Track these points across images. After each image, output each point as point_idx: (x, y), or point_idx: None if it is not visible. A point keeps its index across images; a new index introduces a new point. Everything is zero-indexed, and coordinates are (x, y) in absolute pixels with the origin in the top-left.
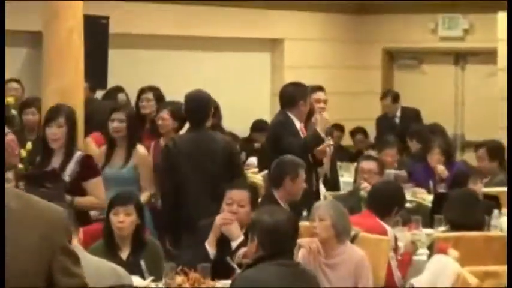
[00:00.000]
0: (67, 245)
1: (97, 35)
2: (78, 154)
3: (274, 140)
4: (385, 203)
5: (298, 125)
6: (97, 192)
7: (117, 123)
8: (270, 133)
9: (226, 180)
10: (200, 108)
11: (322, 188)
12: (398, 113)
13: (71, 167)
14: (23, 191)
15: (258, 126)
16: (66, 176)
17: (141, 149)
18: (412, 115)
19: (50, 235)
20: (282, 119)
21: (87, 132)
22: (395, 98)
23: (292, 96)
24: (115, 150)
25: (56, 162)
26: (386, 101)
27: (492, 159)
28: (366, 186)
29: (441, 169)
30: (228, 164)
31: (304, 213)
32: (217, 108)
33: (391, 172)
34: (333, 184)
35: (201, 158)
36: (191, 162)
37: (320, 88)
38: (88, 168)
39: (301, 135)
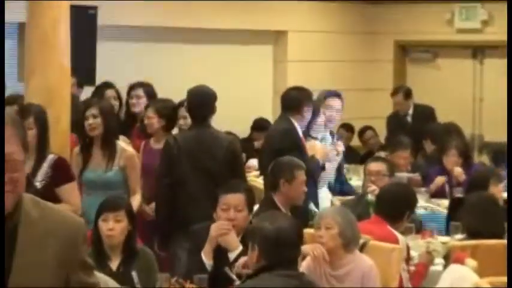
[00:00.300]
0: (85, 258)
1: (85, 26)
2: (50, 157)
3: (275, 151)
4: (395, 206)
5: (300, 133)
6: (72, 199)
7: (92, 120)
8: (272, 140)
9: (227, 180)
10: (203, 104)
11: (327, 194)
12: (411, 111)
13: (43, 171)
14: (37, 197)
15: (259, 124)
16: (38, 181)
17: (128, 148)
18: (425, 113)
19: (69, 248)
20: (286, 127)
21: None
22: (408, 94)
23: (298, 100)
24: (92, 150)
25: (27, 166)
26: (398, 97)
27: (496, 164)
28: (373, 190)
29: (458, 172)
30: (230, 164)
31: (312, 206)
32: None
33: (403, 175)
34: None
35: (202, 156)
36: (191, 159)
37: (337, 95)
38: (61, 172)
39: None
